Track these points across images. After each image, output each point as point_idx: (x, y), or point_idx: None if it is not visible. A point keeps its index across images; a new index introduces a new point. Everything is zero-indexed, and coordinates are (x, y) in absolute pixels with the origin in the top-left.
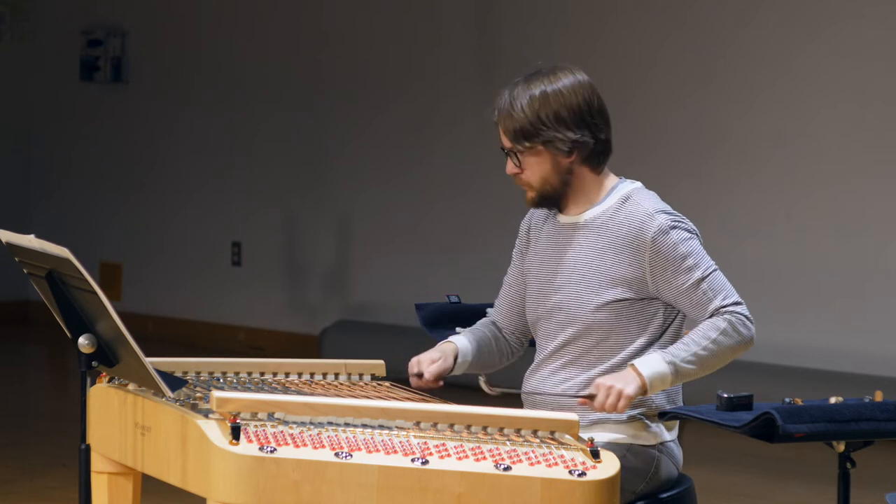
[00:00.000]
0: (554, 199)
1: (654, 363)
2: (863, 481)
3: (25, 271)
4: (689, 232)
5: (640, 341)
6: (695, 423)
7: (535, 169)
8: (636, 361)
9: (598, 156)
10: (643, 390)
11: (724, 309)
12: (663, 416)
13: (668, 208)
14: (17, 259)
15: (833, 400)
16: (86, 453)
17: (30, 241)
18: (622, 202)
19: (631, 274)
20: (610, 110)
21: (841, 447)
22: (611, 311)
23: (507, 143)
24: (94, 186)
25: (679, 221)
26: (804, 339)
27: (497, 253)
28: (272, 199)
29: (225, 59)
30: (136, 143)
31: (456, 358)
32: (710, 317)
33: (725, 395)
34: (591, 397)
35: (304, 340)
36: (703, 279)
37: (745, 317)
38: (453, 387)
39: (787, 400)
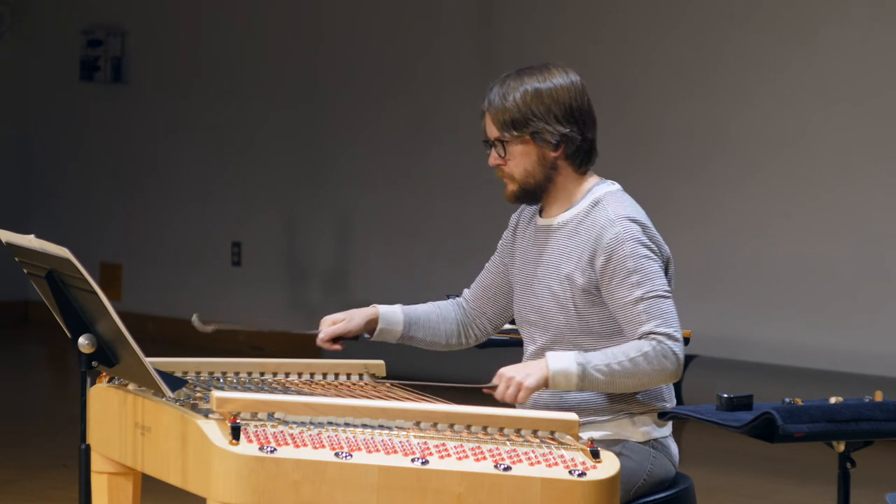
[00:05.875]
0: (534, 194)
1: (565, 360)
2: (863, 481)
3: (25, 271)
4: (648, 249)
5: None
6: (695, 423)
7: (519, 160)
8: (550, 353)
9: (583, 154)
10: (545, 383)
11: (654, 335)
12: (663, 416)
13: (639, 217)
14: (17, 259)
15: (833, 400)
16: (86, 453)
17: (30, 241)
18: (592, 206)
19: (592, 280)
20: (610, 110)
21: (841, 447)
22: (579, 316)
23: (494, 132)
24: (94, 186)
25: (641, 236)
26: (804, 339)
27: None
28: (272, 199)
29: (224, 59)
30: (136, 143)
31: (374, 324)
32: (639, 339)
33: (725, 395)
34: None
35: (305, 340)
36: (643, 299)
37: (673, 351)
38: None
39: (787, 400)
